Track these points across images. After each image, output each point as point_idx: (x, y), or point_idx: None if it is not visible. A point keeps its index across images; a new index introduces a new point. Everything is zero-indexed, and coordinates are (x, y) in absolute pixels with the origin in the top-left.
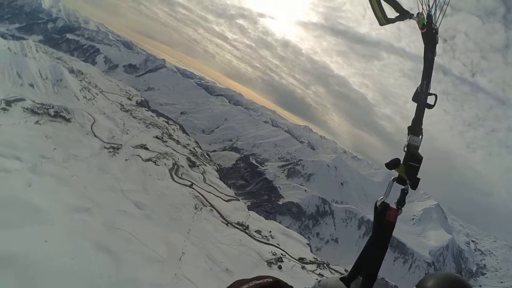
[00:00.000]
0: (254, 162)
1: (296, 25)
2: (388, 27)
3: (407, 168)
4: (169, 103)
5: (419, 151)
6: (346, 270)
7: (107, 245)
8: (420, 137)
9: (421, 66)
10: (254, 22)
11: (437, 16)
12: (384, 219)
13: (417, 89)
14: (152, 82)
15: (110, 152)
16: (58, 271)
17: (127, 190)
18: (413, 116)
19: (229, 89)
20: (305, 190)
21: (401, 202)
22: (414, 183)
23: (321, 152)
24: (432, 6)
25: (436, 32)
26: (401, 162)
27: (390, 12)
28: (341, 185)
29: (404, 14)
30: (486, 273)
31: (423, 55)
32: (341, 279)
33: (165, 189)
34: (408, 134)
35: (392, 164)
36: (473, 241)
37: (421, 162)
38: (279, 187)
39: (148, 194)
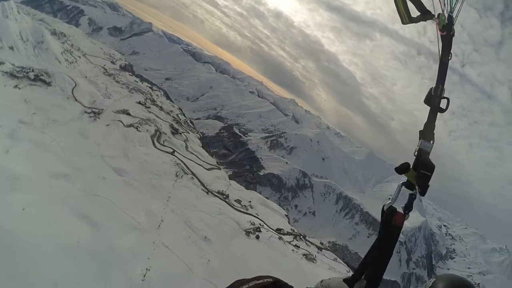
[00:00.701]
0: (237, 132)
1: None
2: (384, 8)
3: (419, 176)
4: (154, 69)
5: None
6: (321, 243)
7: (86, 213)
8: (432, 142)
9: (413, 51)
10: None
11: (455, 17)
12: (391, 223)
13: (430, 92)
14: (137, 46)
15: (91, 117)
16: (35, 240)
17: (108, 156)
18: (425, 120)
19: (217, 57)
20: (287, 163)
21: (408, 207)
22: (424, 190)
23: (305, 126)
24: (454, 7)
25: (453, 35)
26: (411, 166)
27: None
28: (322, 160)
29: (426, 14)
30: (454, 258)
31: (439, 57)
32: (344, 280)
33: (146, 156)
34: (419, 139)
35: (402, 169)
36: (445, 225)
37: (433, 171)
38: (261, 158)
39: (129, 161)
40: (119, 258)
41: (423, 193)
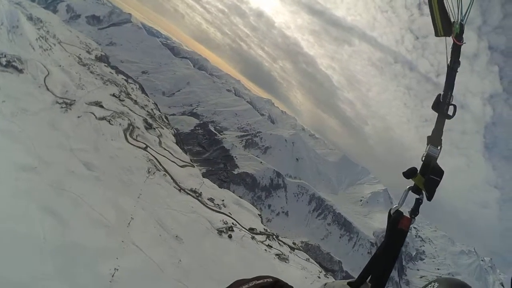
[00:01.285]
0: (212, 129)
1: None
2: (364, 15)
3: (427, 181)
4: (131, 61)
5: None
6: (294, 243)
7: (53, 207)
8: (439, 148)
9: (389, 58)
10: None
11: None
12: (397, 227)
13: (438, 98)
14: (115, 37)
15: (62, 107)
16: (0, 234)
17: (77, 149)
18: (433, 126)
19: (195, 53)
20: (261, 162)
21: (415, 211)
22: (431, 195)
23: (280, 127)
24: (465, 16)
25: (463, 43)
26: (418, 171)
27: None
28: (296, 161)
29: (451, 25)
30: (424, 259)
31: (448, 65)
32: (348, 283)
33: (117, 150)
34: (427, 144)
35: (409, 173)
36: (414, 227)
37: (442, 176)
38: (235, 156)
39: (99, 155)
40: (86, 256)
41: (430, 198)
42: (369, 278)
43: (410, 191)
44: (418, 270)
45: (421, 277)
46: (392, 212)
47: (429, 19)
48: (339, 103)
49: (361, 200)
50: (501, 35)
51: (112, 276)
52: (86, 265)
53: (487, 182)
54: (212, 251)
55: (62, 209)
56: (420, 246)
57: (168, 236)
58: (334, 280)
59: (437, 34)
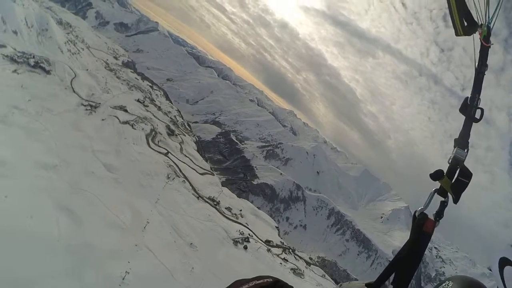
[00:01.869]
0: (234, 138)
1: (297, 7)
2: (389, 27)
3: (455, 183)
4: (156, 68)
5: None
6: (310, 258)
7: (70, 206)
8: (466, 150)
9: (414, 71)
10: None
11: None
12: (422, 229)
13: (465, 101)
14: (142, 44)
15: (87, 110)
16: (14, 229)
17: (99, 150)
18: (461, 129)
19: (220, 62)
20: (281, 174)
21: (439, 214)
22: (458, 197)
23: (302, 139)
24: (493, 18)
25: (490, 46)
26: (444, 173)
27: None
28: (316, 174)
29: (473, 26)
30: None
31: (476, 68)
32: (366, 285)
33: (138, 155)
34: (454, 147)
35: (436, 175)
36: (435, 247)
37: (471, 178)
38: (255, 167)
39: (120, 158)
40: (98, 257)
41: (456, 200)
42: (390, 281)
43: (436, 194)
44: None
45: None
46: (417, 214)
47: (452, 31)
48: (362, 116)
49: (381, 217)
50: None
51: (123, 279)
52: (97, 266)
53: (510, 201)
54: (226, 260)
55: (78, 208)
56: (440, 267)
57: (182, 242)
58: None
59: (457, 34)
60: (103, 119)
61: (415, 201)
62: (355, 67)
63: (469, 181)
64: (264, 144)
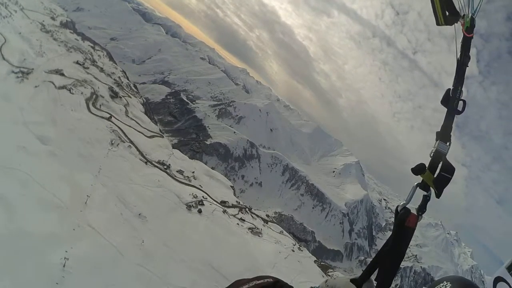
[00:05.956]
0: (185, 98)
1: None
2: None
3: (438, 178)
4: (99, 27)
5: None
6: (267, 215)
7: None
8: (448, 144)
9: (368, 32)
10: None
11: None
12: (404, 224)
13: (447, 93)
14: (82, 2)
15: (18, 77)
16: None
17: (32, 122)
18: (442, 121)
19: (168, 19)
20: (234, 132)
21: (422, 208)
22: (440, 192)
23: (255, 97)
24: (477, 9)
25: (472, 37)
26: (426, 167)
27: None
28: (270, 131)
29: (455, 15)
30: None
31: (458, 59)
32: (351, 280)
33: (77, 122)
34: (436, 140)
35: (418, 170)
36: (384, 199)
37: (453, 173)
38: (208, 126)
39: (57, 127)
40: (34, 244)
41: (439, 195)
42: (374, 275)
43: (418, 188)
44: None
45: None
46: (399, 209)
47: None
48: (315, 74)
49: (333, 172)
50: (483, 19)
51: (64, 266)
52: (34, 255)
53: (455, 159)
54: (179, 228)
55: (8, 191)
56: (390, 217)
57: (130, 214)
58: (310, 254)
59: (438, 23)
60: (36, 86)
61: (365, 156)
62: (309, 25)
63: (452, 176)
64: (216, 102)
